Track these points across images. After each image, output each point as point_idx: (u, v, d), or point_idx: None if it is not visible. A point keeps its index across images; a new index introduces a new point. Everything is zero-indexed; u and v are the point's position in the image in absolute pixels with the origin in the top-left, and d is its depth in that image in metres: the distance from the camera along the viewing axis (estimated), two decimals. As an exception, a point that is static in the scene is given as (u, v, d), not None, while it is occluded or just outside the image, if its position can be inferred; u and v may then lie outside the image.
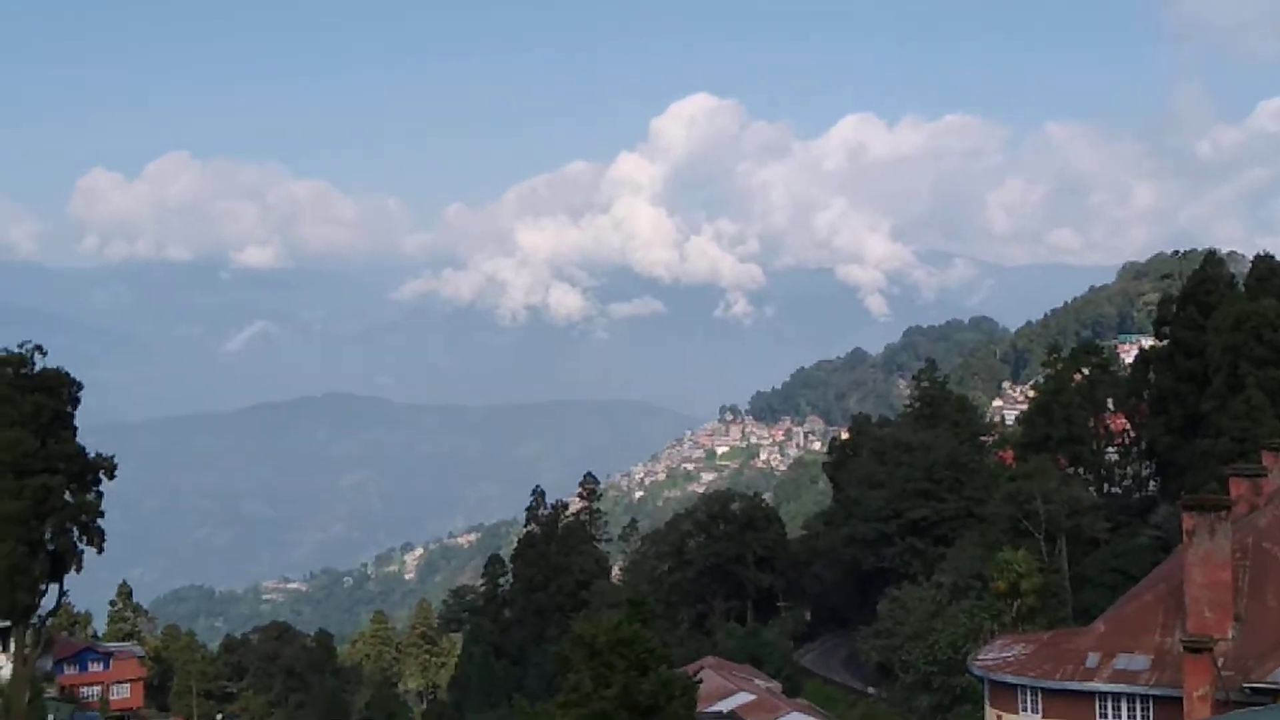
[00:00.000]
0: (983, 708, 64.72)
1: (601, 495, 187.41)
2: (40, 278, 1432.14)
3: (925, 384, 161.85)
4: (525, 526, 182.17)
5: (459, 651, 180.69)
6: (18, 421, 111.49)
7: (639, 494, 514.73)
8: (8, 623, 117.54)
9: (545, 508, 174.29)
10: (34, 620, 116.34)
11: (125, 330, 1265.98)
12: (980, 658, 64.31)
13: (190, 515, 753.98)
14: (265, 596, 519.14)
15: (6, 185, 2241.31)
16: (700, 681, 63.29)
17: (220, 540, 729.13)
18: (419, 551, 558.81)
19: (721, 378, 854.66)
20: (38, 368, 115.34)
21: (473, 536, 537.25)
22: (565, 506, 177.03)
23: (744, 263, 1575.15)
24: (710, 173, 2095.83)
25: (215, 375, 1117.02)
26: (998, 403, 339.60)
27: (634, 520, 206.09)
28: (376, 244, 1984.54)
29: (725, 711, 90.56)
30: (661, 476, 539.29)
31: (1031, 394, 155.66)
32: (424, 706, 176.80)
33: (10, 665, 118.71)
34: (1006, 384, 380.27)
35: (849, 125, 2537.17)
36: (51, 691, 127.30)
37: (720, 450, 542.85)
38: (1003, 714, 61.23)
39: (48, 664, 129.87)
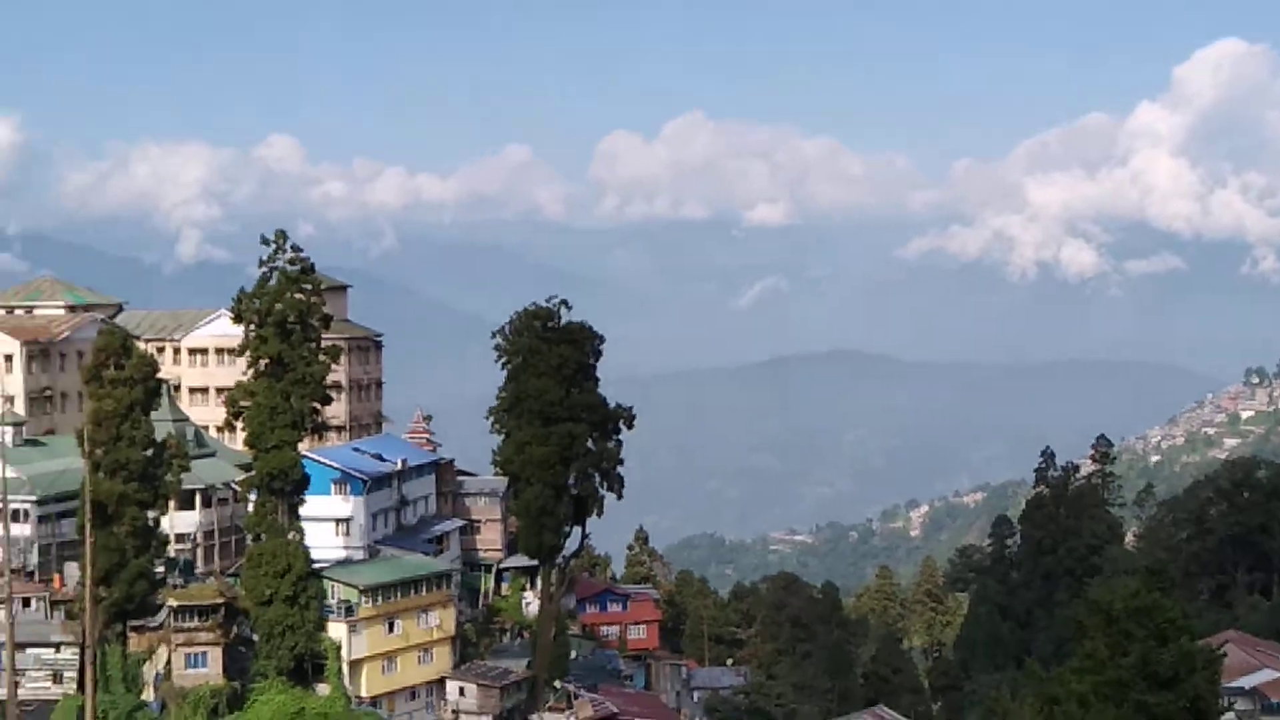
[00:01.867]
0: None
1: (1115, 459, 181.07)
2: (566, 238, 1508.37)
3: None
4: (1034, 488, 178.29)
5: (964, 611, 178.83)
6: (545, 372, 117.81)
7: (1155, 458, 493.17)
8: (535, 562, 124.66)
9: (1055, 469, 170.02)
10: (558, 561, 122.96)
11: (642, 287, 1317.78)
12: None
13: (702, 467, 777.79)
14: (773, 547, 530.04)
15: (537, 151, 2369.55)
16: (1224, 655, 60.10)
17: (730, 492, 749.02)
18: (924, 509, 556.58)
19: (1247, 339, 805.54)
20: (563, 321, 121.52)
21: (978, 495, 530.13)
22: (1076, 469, 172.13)
23: (1274, 217, 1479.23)
24: (1237, 122, 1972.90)
25: (726, 331, 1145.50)
26: None
27: (1150, 485, 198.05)
28: (883, 201, 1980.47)
29: (1248, 688, 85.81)
30: (1180, 441, 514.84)
31: None
32: (929, 664, 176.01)
33: (537, 602, 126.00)
34: None
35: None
36: (574, 629, 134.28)
37: (1245, 415, 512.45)
38: None
39: (570, 602, 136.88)
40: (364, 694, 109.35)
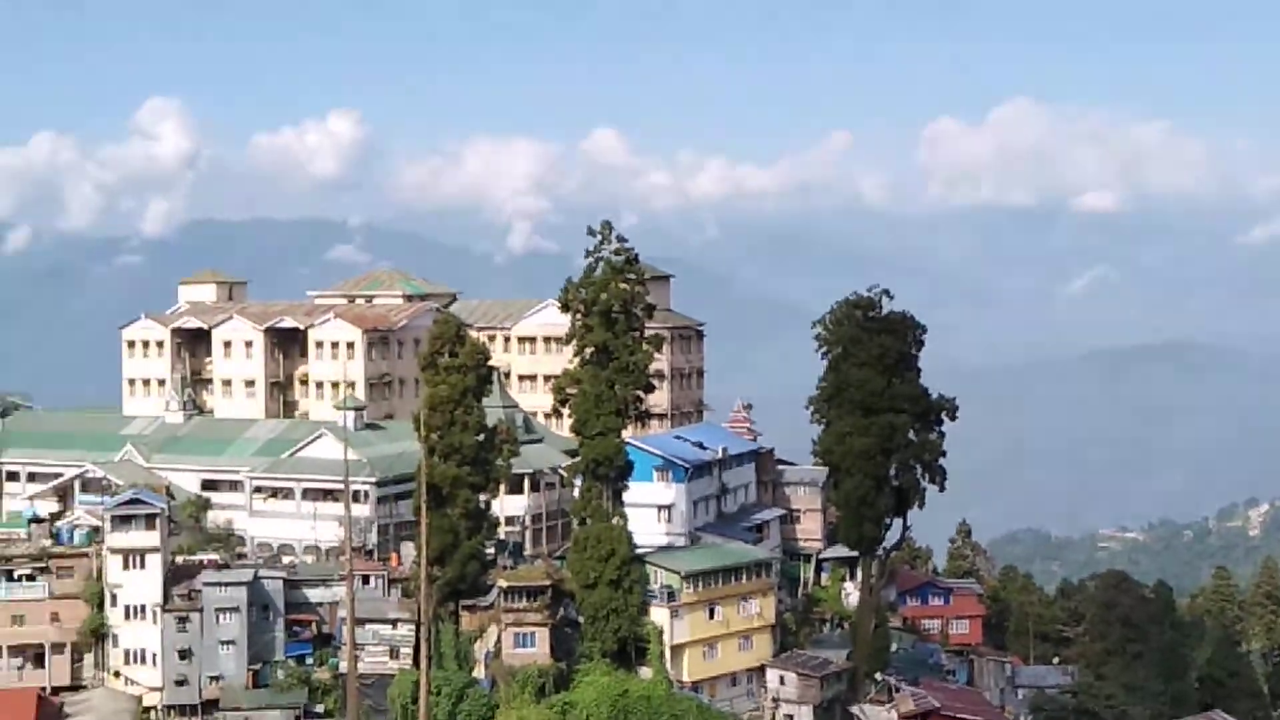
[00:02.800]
0: None
1: None
2: (889, 226, 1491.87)
3: None
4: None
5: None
6: (866, 362, 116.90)
7: None
8: (855, 553, 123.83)
9: None
10: (878, 552, 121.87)
11: (966, 275, 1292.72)
12: None
13: (1027, 460, 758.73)
14: (1101, 544, 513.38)
15: (859, 139, 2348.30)
16: None
17: (1056, 485, 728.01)
18: (1264, 507, 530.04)
19: None
20: (885, 311, 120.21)
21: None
22: None
23: None
24: None
25: (1053, 321, 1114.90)
26: None
27: None
28: (1223, 186, 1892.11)
29: None
30: None
31: None
32: (1269, 668, 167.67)
33: (857, 594, 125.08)
34: None
35: None
36: (894, 621, 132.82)
37: None
38: None
39: (891, 595, 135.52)
40: (685, 678, 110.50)
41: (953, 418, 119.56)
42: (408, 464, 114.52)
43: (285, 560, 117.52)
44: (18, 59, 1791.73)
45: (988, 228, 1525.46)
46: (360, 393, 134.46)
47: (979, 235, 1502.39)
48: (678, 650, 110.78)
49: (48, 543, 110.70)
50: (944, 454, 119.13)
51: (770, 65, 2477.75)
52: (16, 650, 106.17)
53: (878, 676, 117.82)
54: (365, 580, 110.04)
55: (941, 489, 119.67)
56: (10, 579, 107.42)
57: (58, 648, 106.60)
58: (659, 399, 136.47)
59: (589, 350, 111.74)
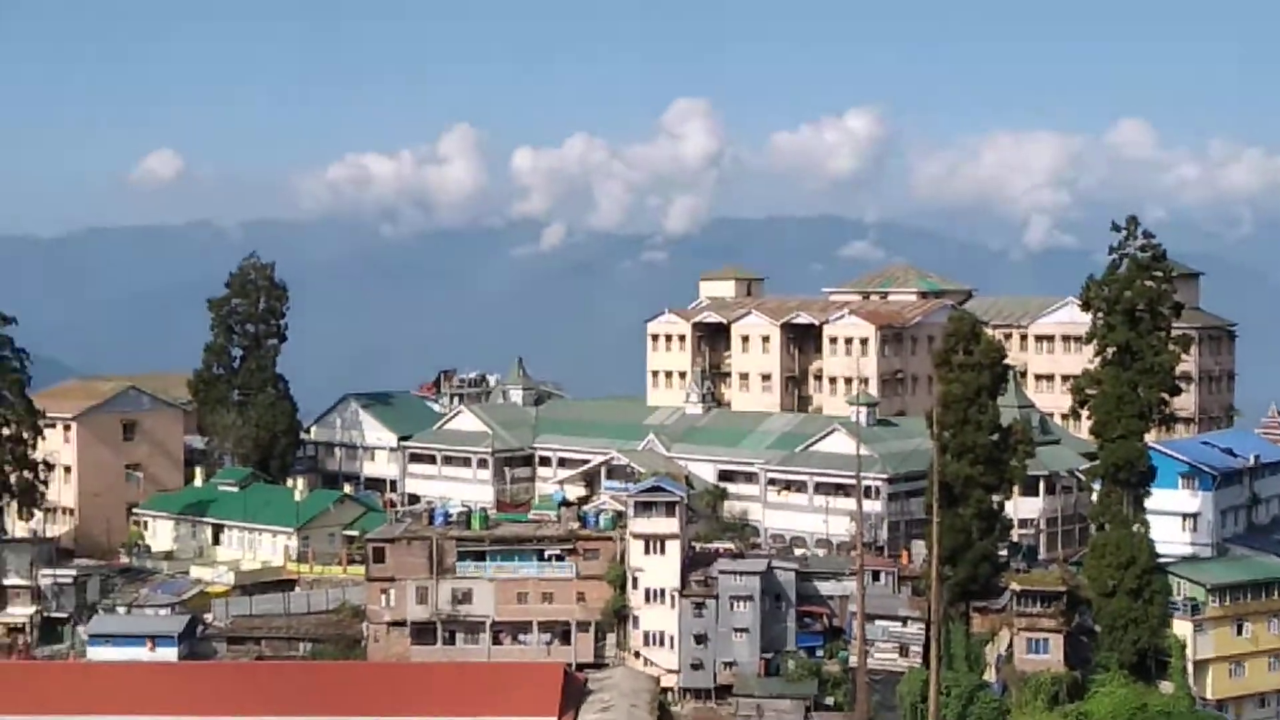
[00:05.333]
0: None
1: None
2: None
3: None
4: None
5: None
6: None
7: None
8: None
9: None
10: None
11: None
12: None
13: None
14: None
15: None
16: None
17: None
18: None
19: None
20: None
21: None
22: None
23: None
24: None
25: None
26: None
27: None
28: None
29: None
30: None
31: None
32: None
33: None
34: None
35: None
36: None
37: None
38: None
39: None
40: (1209, 696, 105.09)
41: None
42: (919, 461, 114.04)
43: (797, 552, 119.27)
44: (551, 69, 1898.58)
45: None
46: (873, 389, 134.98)
47: None
48: (1201, 666, 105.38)
49: (575, 525, 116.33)
50: None
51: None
52: (546, 626, 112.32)
53: None
54: (875, 576, 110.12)
55: None
56: (541, 558, 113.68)
57: (583, 626, 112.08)
58: (1185, 402, 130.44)
59: (1111, 350, 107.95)
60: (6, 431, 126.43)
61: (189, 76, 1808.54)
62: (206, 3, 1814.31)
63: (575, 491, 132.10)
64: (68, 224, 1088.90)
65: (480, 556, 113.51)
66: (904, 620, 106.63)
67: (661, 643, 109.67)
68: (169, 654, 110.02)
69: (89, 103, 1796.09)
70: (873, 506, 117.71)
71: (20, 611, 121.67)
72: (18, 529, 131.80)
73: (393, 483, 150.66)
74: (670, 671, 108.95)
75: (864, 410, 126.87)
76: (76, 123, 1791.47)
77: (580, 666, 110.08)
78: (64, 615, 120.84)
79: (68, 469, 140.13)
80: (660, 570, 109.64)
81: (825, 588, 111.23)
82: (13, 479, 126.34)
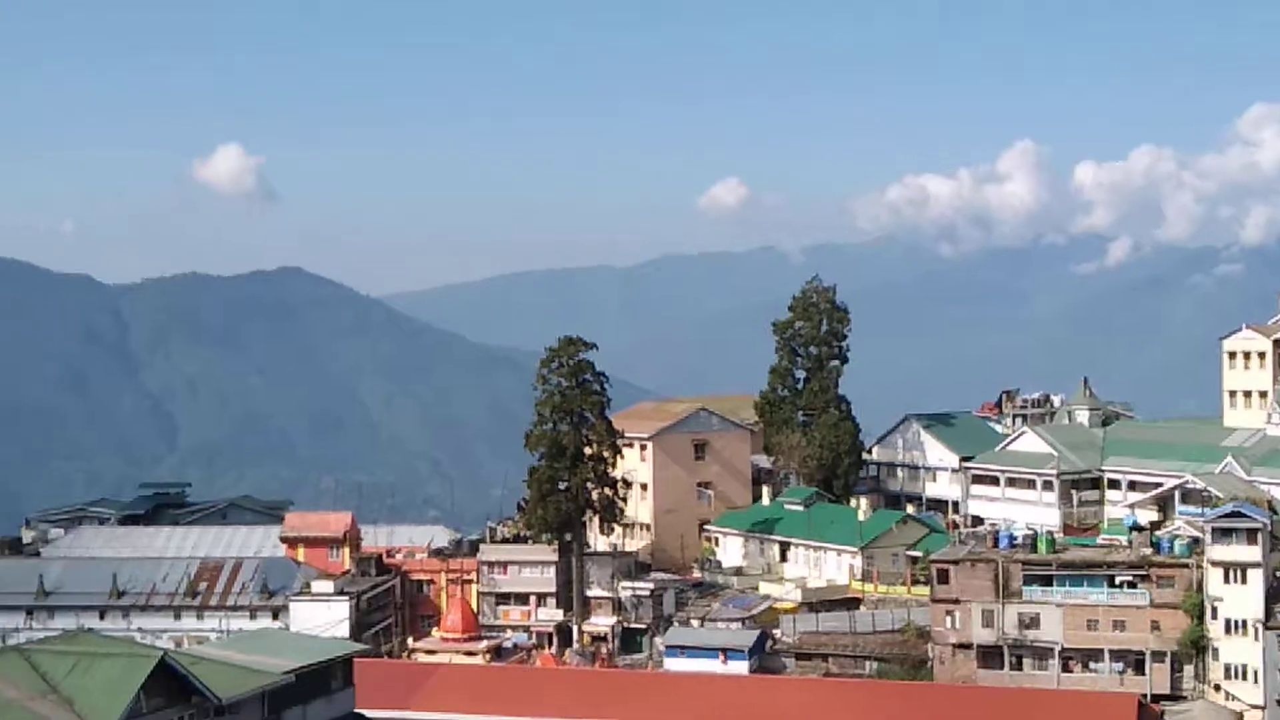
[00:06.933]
0: None
1: None
2: None
3: None
4: None
5: None
6: None
7: None
8: None
9: None
10: None
11: None
12: None
13: None
14: None
15: None
16: None
17: None
18: None
19: None
20: None
21: None
22: None
23: None
24: None
25: None
26: None
27: None
28: None
29: None
30: None
31: None
32: None
33: None
34: None
35: None
36: None
37: None
38: None
39: None
40: None
41: None
42: None
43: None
44: (1114, 82, 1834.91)
45: None
46: None
47: None
48: None
49: (1148, 551, 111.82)
50: None
51: None
52: (1118, 655, 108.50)
53: None
54: None
55: None
56: (1112, 584, 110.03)
57: (1157, 656, 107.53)
58: None
59: None
60: (589, 451, 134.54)
61: (752, 110, 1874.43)
62: (777, 51, 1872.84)
63: (1146, 516, 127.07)
64: (641, 253, 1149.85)
65: (1047, 581, 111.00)
66: None
67: (1244, 676, 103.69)
68: (740, 667, 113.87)
69: (661, 134, 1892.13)
70: None
71: (603, 621, 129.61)
72: (600, 543, 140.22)
73: (955, 504, 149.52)
74: (1255, 707, 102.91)
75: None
76: (648, 156, 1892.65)
77: (1156, 698, 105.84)
78: (642, 626, 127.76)
79: (644, 486, 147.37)
80: (1241, 600, 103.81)
81: None
82: (595, 496, 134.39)
